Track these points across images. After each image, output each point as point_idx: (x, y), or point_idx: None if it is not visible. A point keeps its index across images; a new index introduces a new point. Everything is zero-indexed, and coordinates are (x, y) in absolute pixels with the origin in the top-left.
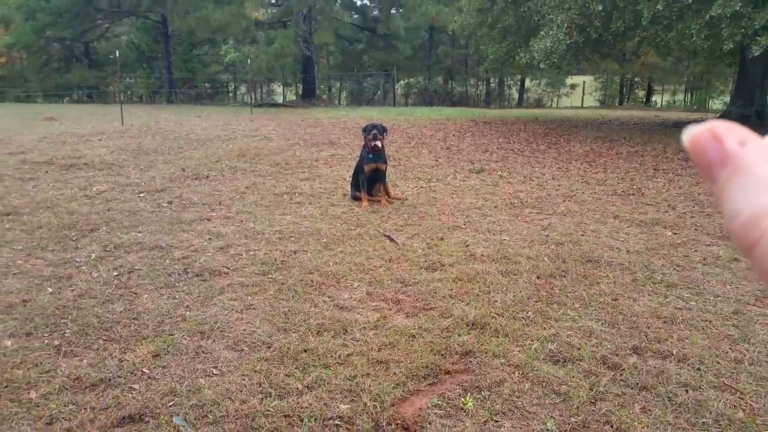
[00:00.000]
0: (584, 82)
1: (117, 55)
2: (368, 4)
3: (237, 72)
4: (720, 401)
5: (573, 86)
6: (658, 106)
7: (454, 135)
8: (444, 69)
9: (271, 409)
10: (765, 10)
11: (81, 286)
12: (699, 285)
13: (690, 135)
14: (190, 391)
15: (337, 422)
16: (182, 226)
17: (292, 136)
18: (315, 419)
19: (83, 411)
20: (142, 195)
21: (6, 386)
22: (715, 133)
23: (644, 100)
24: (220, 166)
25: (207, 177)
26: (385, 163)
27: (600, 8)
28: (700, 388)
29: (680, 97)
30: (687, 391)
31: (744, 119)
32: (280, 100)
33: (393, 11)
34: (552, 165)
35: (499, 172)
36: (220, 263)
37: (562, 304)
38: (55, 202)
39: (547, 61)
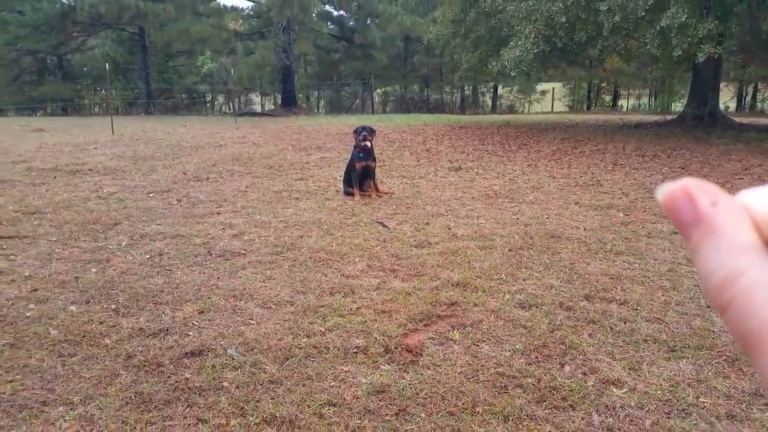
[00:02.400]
0: (554, 88)
1: (107, 67)
2: (345, 15)
3: (214, 82)
4: (649, 329)
5: (543, 92)
6: (624, 109)
7: (432, 138)
8: (420, 77)
9: (303, 344)
10: (708, 21)
11: (121, 266)
12: (642, 252)
13: (664, 193)
14: (235, 334)
15: (355, 350)
16: (196, 219)
17: (280, 142)
18: (338, 349)
19: (153, 349)
20: (151, 195)
21: (83, 336)
22: (688, 193)
23: (611, 104)
24: (217, 169)
25: (207, 179)
26: (375, 161)
27: (564, 20)
28: (635, 321)
29: (645, 100)
30: (625, 323)
31: (698, 119)
32: (258, 109)
33: (369, 22)
34: (522, 163)
35: (475, 170)
36: (238, 247)
37: (528, 268)
38: (73, 202)
39: (517, 69)
